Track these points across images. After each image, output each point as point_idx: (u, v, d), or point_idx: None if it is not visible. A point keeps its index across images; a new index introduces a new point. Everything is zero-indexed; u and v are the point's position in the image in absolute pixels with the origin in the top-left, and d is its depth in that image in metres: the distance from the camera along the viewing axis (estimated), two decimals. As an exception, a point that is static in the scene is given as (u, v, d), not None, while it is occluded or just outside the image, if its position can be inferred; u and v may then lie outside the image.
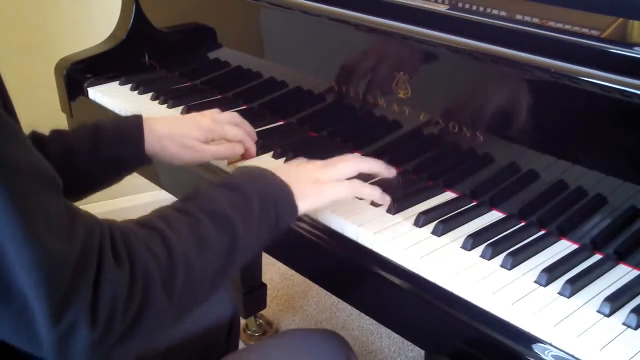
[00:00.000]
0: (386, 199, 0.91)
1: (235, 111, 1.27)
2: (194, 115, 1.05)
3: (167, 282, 0.64)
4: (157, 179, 1.30)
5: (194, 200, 0.75)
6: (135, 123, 0.97)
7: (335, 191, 0.86)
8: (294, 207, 0.81)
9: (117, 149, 0.95)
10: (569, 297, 0.78)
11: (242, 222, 0.74)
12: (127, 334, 0.61)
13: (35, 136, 0.93)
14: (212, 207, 0.74)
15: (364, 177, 0.90)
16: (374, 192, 0.90)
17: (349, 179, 0.89)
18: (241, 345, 1.55)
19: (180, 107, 1.29)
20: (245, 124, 1.08)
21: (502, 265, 0.83)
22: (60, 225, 0.58)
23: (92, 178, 0.96)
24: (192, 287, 0.68)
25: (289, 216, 0.82)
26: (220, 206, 0.74)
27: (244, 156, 1.08)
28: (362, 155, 1.10)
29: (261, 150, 1.11)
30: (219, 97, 1.36)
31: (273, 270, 2.02)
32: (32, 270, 0.54)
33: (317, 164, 0.88)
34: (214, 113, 1.06)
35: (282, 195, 0.80)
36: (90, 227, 0.60)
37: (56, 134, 0.96)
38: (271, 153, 1.11)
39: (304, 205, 0.83)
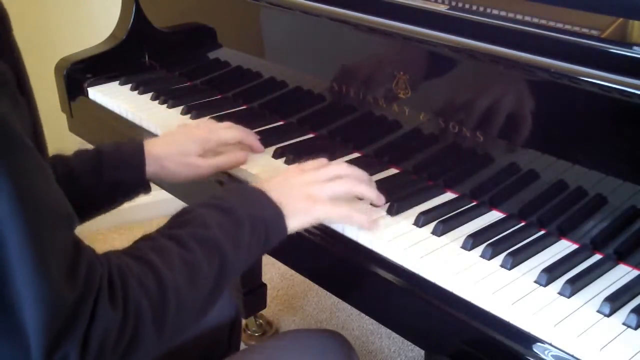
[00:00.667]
0: (373, 226, 0.90)
1: (235, 111, 1.28)
2: (189, 128, 1.06)
3: (158, 319, 0.66)
4: (156, 181, 1.30)
5: (186, 227, 0.75)
6: (136, 147, 0.98)
7: (326, 213, 0.87)
8: (283, 229, 0.82)
9: (118, 174, 0.96)
10: (569, 297, 0.78)
11: (232, 248, 0.76)
12: None
13: None
14: (204, 234, 0.75)
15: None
16: (363, 221, 0.89)
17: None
18: (241, 345, 1.55)
19: (180, 107, 1.29)
20: (240, 127, 1.08)
21: (502, 265, 0.83)
22: (67, 264, 0.59)
23: (93, 202, 0.97)
24: (181, 319, 0.70)
25: (278, 237, 0.82)
26: (211, 233, 0.75)
27: (253, 151, 1.08)
28: (361, 154, 1.11)
29: (261, 150, 1.12)
30: (219, 97, 1.36)
31: (273, 270, 2.02)
32: (37, 306, 0.56)
33: (311, 177, 0.88)
34: (209, 123, 1.07)
35: (272, 218, 0.81)
36: (92, 266, 0.62)
37: (57, 158, 0.96)
38: (271, 153, 1.11)
39: (294, 223, 0.84)
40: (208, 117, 1.22)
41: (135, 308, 0.64)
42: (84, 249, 0.62)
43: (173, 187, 1.28)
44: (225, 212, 0.78)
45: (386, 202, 0.95)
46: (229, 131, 1.05)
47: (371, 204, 0.95)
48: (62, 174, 0.93)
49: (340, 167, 0.91)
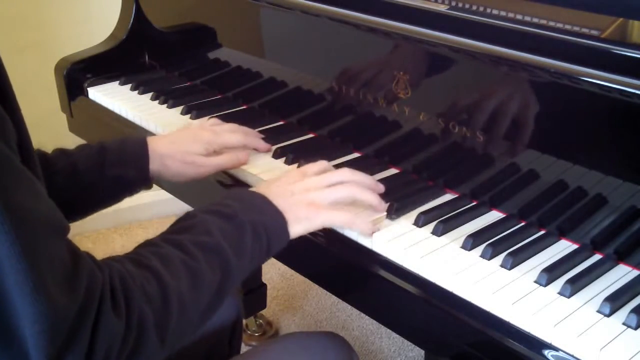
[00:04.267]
0: (374, 230, 0.89)
1: (235, 111, 1.28)
2: (194, 129, 1.06)
3: (160, 327, 0.66)
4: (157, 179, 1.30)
5: (188, 233, 0.75)
6: (139, 144, 0.98)
7: (328, 218, 0.86)
8: (285, 235, 0.82)
9: (122, 170, 0.96)
10: (569, 297, 0.78)
11: (235, 256, 0.75)
12: None
13: (40, 154, 0.93)
14: (207, 240, 0.74)
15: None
16: (366, 226, 0.89)
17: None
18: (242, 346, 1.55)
19: (180, 107, 1.29)
20: (244, 129, 1.09)
21: (502, 265, 0.83)
22: (65, 275, 0.58)
23: (96, 197, 0.97)
24: (183, 326, 0.69)
25: (280, 244, 0.82)
26: (214, 240, 0.75)
27: (259, 151, 1.09)
28: (361, 154, 1.11)
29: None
30: (219, 97, 1.36)
31: (273, 270, 2.02)
32: (35, 321, 0.55)
33: (312, 183, 0.88)
34: (214, 125, 1.07)
35: (275, 224, 0.81)
36: (92, 275, 0.61)
37: (60, 152, 0.96)
38: (271, 153, 1.11)
39: (296, 229, 0.83)
40: (209, 116, 1.22)
41: (138, 316, 0.63)
42: (83, 258, 0.61)
43: (173, 187, 1.28)
44: (228, 218, 0.78)
45: (386, 202, 0.95)
46: (234, 136, 1.05)
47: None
48: (65, 169, 0.93)
49: (343, 173, 0.91)
